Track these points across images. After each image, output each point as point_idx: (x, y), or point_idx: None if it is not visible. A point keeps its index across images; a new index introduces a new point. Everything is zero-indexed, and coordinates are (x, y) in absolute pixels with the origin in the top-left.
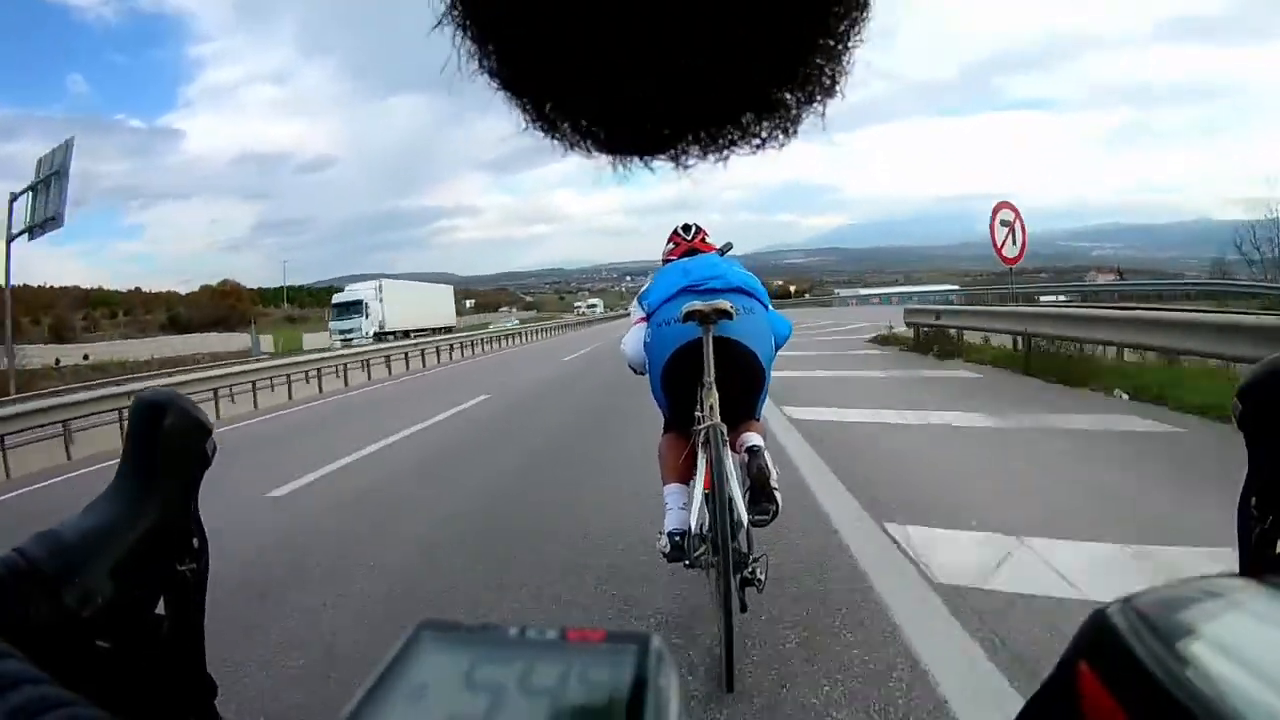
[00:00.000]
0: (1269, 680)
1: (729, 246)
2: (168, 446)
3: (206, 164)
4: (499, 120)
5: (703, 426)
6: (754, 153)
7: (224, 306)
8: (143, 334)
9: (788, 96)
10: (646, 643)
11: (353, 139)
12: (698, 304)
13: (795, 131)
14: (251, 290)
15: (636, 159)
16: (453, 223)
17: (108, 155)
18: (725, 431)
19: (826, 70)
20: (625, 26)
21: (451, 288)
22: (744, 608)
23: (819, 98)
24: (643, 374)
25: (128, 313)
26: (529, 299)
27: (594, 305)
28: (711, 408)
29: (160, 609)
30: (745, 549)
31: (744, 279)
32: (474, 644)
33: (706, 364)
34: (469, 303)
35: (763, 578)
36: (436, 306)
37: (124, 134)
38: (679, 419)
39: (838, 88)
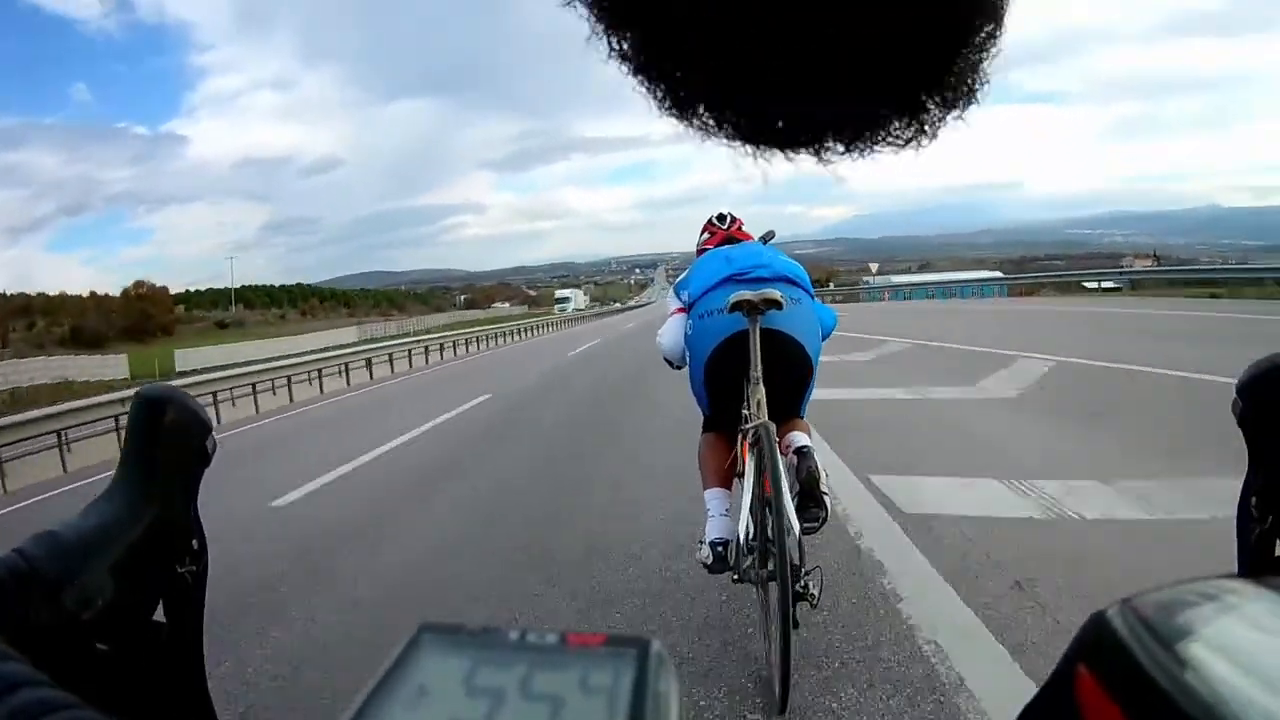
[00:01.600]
0: (1269, 683)
1: (771, 235)
2: (168, 444)
3: (211, 168)
4: (503, 121)
5: (751, 425)
6: (896, 153)
7: (137, 313)
8: (39, 350)
9: (929, 103)
10: (646, 647)
11: (358, 141)
12: (746, 293)
13: (936, 135)
14: (191, 292)
15: (777, 150)
16: (460, 220)
17: (112, 162)
18: (775, 431)
19: (966, 78)
20: (775, 26)
21: None
22: (796, 624)
23: (959, 104)
24: (680, 368)
25: (48, 323)
26: (533, 293)
27: (565, 300)
28: (760, 404)
29: (160, 611)
30: (798, 560)
31: (790, 267)
32: (474, 647)
33: (754, 357)
34: (461, 298)
35: (816, 592)
36: None
37: (128, 141)
38: (721, 418)
39: (976, 95)
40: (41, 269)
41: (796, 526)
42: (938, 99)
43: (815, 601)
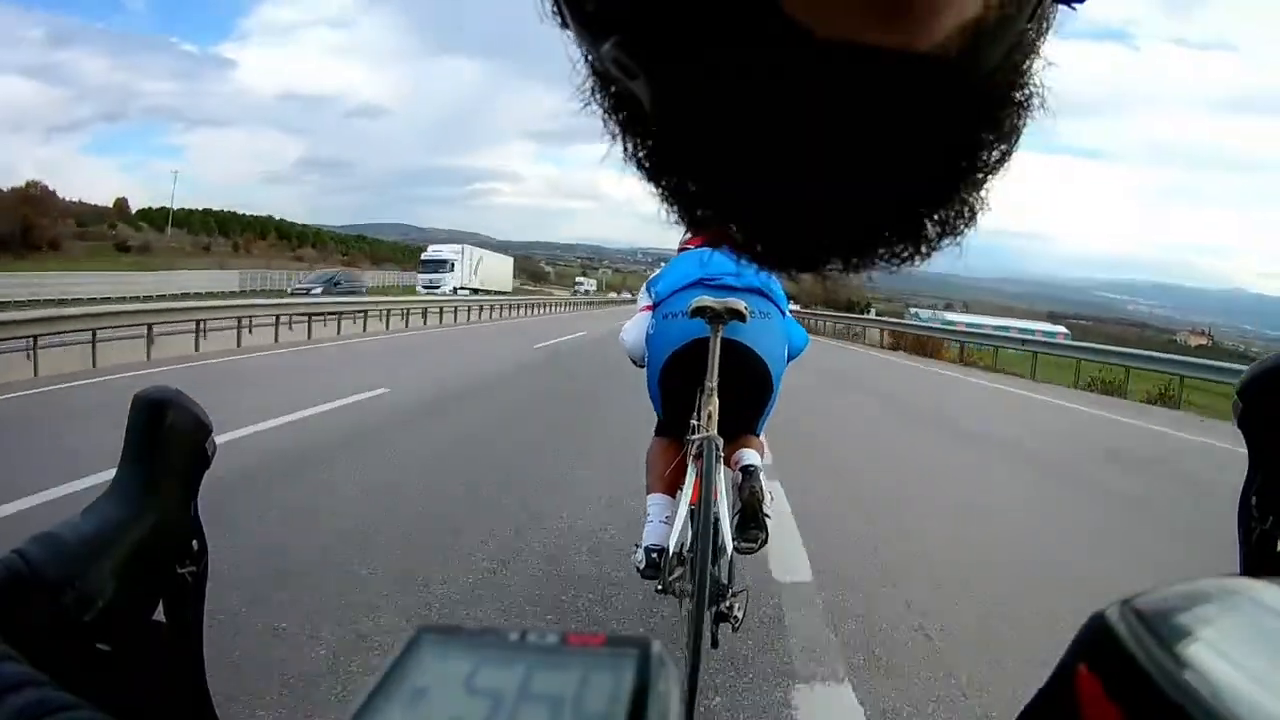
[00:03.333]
0: (1268, 683)
1: None
2: (169, 446)
3: (254, 95)
4: (554, 92)
5: (698, 437)
6: (893, 271)
7: (19, 220)
8: None
9: (930, 227)
10: (647, 648)
11: (405, 91)
12: (709, 299)
13: (932, 255)
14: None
15: (780, 271)
16: (494, 186)
17: (155, 74)
18: (722, 446)
19: (969, 201)
20: (792, 161)
21: None
22: (715, 644)
23: (960, 227)
24: (642, 367)
25: None
26: (549, 270)
27: (438, 266)
28: (710, 416)
29: (160, 612)
30: (726, 579)
31: (763, 279)
32: (474, 648)
33: (710, 367)
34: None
35: (740, 614)
36: None
37: (175, 56)
38: (673, 423)
39: (978, 216)
40: (63, 169)
41: (730, 546)
42: (938, 224)
43: (738, 625)
